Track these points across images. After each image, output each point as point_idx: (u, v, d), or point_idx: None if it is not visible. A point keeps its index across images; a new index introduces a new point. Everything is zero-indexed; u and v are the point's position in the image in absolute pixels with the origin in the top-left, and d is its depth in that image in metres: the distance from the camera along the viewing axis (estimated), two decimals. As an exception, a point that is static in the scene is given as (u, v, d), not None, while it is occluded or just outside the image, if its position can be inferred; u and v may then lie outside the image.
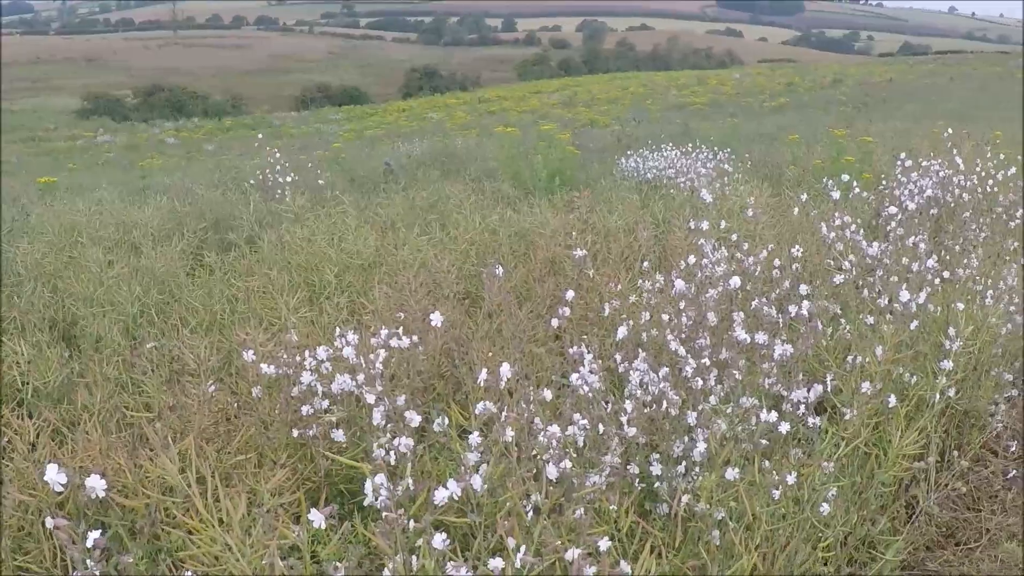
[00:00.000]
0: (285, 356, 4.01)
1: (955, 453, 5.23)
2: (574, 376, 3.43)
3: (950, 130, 10.04)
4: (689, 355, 3.81)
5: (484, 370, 3.07)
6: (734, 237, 5.32)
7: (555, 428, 2.91)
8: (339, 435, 3.74)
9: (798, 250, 5.27)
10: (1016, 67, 54.87)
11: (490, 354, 4.52)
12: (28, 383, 5.02)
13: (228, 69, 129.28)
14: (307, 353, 4.01)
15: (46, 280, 6.94)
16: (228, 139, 44.43)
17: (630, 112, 38.52)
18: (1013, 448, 5.91)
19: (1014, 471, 5.66)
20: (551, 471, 2.87)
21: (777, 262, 5.06)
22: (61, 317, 6.45)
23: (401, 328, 4.12)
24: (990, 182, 8.56)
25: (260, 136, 21.08)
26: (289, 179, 10.97)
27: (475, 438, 2.96)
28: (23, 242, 7.89)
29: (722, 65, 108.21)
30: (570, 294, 4.12)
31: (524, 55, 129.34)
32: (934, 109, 29.01)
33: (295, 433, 3.85)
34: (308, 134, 42.61)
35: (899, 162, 8.61)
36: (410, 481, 2.77)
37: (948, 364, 4.60)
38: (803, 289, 4.50)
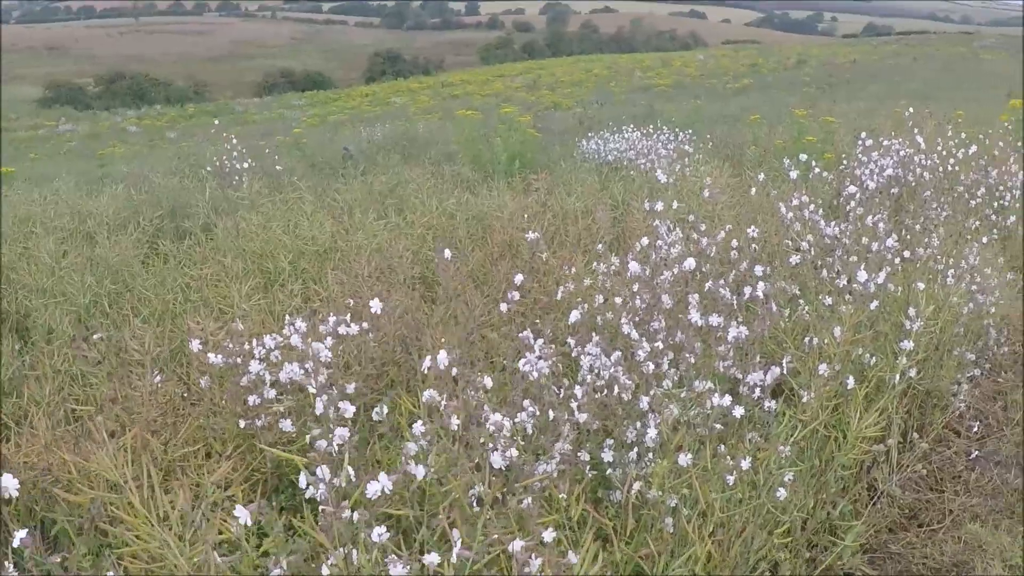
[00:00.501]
0: (231, 345, 3.92)
1: (915, 435, 5.18)
2: (522, 361, 3.35)
3: (911, 109, 10.01)
4: (643, 338, 3.73)
5: (427, 357, 2.99)
6: (691, 218, 5.25)
7: (497, 416, 2.84)
8: (287, 425, 3.66)
9: (753, 231, 5.20)
10: (980, 48, 55.17)
11: (443, 340, 4.44)
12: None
13: (190, 56, 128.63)
14: (255, 342, 3.93)
15: (-2, 272, 6.85)
16: (191, 126, 44.19)
17: (594, 95, 38.47)
18: (976, 428, 5.89)
19: (976, 452, 5.63)
20: (496, 459, 2.80)
21: (735, 243, 5.00)
22: (14, 309, 6.35)
23: (349, 315, 4.04)
24: (951, 161, 8.53)
25: (217, 122, 20.95)
26: (246, 165, 10.84)
27: (419, 427, 2.88)
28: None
29: (686, 47, 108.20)
30: (519, 278, 4.03)
31: (487, 39, 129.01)
32: (898, 89, 29.09)
33: (242, 424, 3.76)
34: (271, 120, 42.50)
35: (860, 141, 8.57)
36: (351, 471, 2.69)
37: (908, 344, 4.56)
38: (759, 270, 4.43)
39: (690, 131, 12.93)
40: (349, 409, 2.96)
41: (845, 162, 8.99)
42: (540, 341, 3.43)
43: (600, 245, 5.01)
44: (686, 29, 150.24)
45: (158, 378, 4.09)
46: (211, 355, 3.94)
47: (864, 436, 4.00)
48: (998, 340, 6.83)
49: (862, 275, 4.52)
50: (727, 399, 3.40)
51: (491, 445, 2.82)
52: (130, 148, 30.81)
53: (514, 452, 2.84)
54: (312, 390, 3.21)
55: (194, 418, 3.96)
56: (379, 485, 2.51)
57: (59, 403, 4.46)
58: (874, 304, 4.72)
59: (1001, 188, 8.75)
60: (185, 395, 4.18)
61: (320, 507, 2.54)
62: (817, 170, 7.54)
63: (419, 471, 2.70)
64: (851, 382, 3.99)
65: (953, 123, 10.99)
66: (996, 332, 6.72)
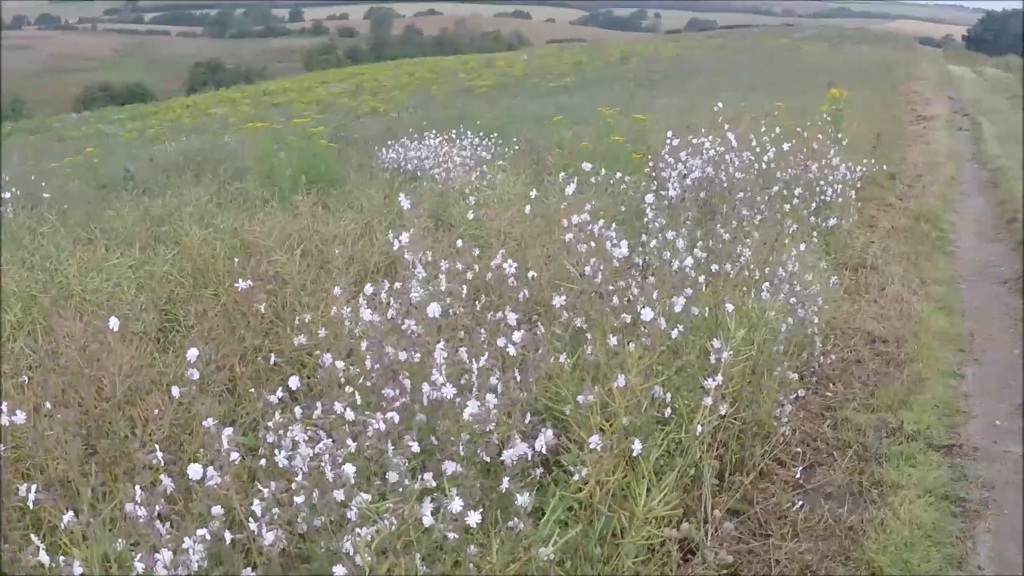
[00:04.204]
0: None
1: (714, 512, 4.48)
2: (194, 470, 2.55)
3: (720, 104, 9.54)
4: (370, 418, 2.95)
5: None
6: (459, 244, 4.54)
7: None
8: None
9: (512, 266, 4.44)
10: (800, 39, 56.26)
11: (156, 411, 3.67)
12: None
13: (8, 71, 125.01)
14: None
15: None
16: (5, 146, 42.57)
17: (414, 98, 38.02)
18: (803, 456, 5.32)
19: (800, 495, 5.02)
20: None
21: (511, 269, 4.31)
22: None
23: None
24: (766, 158, 8.01)
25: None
26: (8, 195, 9.84)
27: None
28: None
29: (511, 47, 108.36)
30: (192, 353, 3.19)
31: (311, 45, 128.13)
32: (720, 83, 28.97)
33: None
34: (89, 136, 41.11)
35: (668, 141, 7.97)
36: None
37: (714, 381, 3.90)
38: (512, 318, 3.65)
39: (495, 135, 12.41)
40: None
41: (651, 164, 8.40)
42: (228, 431, 2.66)
43: (338, 288, 4.15)
44: (510, 29, 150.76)
45: None
46: None
47: (655, 515, 3.30)
48: (824, 350, 6.32)
49: (647, 313, 3.77)
50: (457, 504, 2.62)
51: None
52: (-64, 172, 29.37)
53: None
54: None
55: None
56: None
57: None
58: (676, 331, 4.07)
59: (822, 183, 8.31)
60: None
61: None
62: (619, 175, 6.94)
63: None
64: (637, 446, 3.26)
65: (771, 116, 10.61)
66: (821, 342, 6.20)
